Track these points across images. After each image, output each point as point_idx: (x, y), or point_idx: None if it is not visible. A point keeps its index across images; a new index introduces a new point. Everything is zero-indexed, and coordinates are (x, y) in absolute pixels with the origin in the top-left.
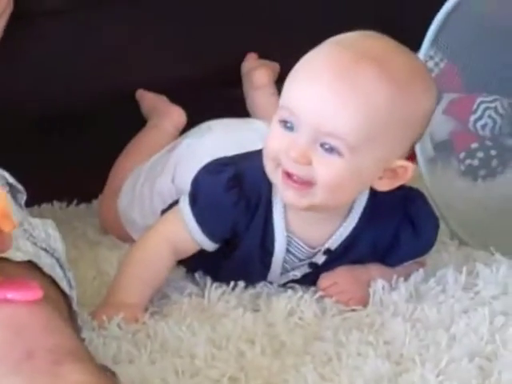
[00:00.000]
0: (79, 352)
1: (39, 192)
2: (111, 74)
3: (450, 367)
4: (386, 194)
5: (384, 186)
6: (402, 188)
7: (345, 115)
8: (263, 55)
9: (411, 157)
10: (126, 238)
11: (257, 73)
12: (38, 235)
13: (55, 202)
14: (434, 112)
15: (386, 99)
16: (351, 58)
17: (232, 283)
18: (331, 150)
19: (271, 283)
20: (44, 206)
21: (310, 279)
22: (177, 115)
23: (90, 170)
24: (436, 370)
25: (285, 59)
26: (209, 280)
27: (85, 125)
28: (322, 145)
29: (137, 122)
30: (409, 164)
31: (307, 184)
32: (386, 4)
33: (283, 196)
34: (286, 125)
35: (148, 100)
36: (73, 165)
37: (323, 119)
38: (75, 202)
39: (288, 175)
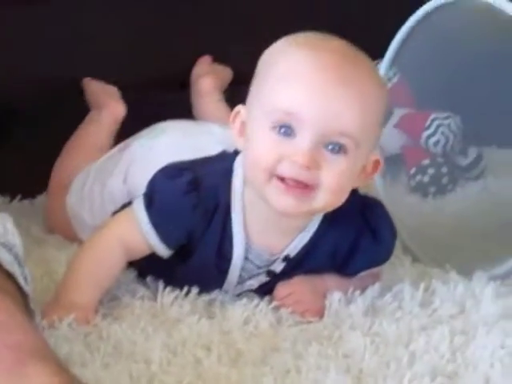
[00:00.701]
0: (43, 350)
1: None
2: (52, 65)
3: None
4: (346, 200)
5: (359, 182)
6: (360, 195)
7: (351, 111)
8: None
9: None
10: (73, 238)
11: (202, 80)
12: None
13: None
14: None
15: (374, 92)
16: (336, 58)
17: (185, 289)
18: (338, 149)
19: (226, 292)
20: None
21: (265, 290)
22: (116, 108)
23: (34, 164)
24: None
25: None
26: (161, 284)
27: (30, 118)
28: (327, 146)
29: (83, 115)
30: (380, 157)
31: (310, 188)
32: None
33: (280, 204)
34: (281, 130)
35: (92, 89)
36: (16, 159)
37: (332, 118)
38: (19, 197)
39: (284, 181)
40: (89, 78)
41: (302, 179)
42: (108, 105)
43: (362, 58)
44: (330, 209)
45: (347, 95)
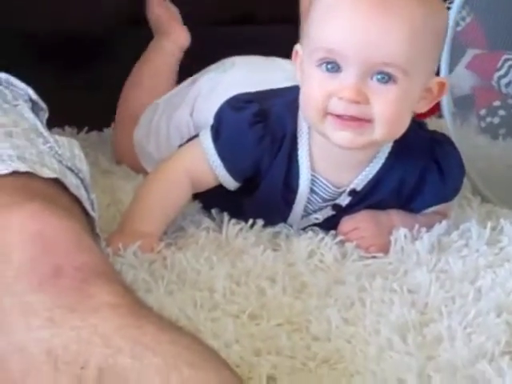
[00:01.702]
0: (109, 272)
1: (50, 116)
2: None
3: (478, 320)
4: (414, 134)
5: (423, 107)
6: (429, 130)
7: (390, 40)
8: None
9: (434, 108)
10: (140, 169)
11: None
12: (64, 154)
13: (66, 128)
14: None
15: (420, 17)
16: None
17: (250, 221)
18: (388, 79)
19: (291, 226)
20: (55, 130)
21: (330, 224)
22: (181, 35)
23: (101, 97)
24: (463, 322)
25: None
26: (226, 216)
27: (97, 51)
28: (374, 76)
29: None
30: (444, 79)
31: (366, 121)
32: None
33: (335, 139)
34: (328, 66)
35: (157, 13)
36: (84, 91)
37: (372, 49)
38: (86, 129)
39: (341, 116)
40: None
41: (353, 114)
42: (172, 32)
43: None
44: (391, 138)
45: (388, 23)
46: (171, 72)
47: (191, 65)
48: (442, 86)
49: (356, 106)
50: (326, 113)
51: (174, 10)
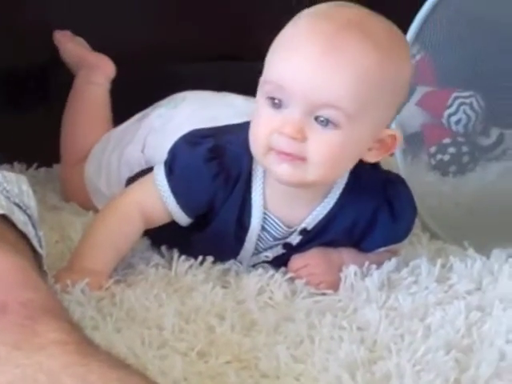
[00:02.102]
0: (56, 309)
1: None
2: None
3: (427, 358)
4: (367, 174)
5: (373, 157)
6: (382, 170)
7: (337, 82)
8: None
9: None
10: (89, 206)
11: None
12: (12, 190)
13: (15, 164)
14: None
15: (373, 63)
16: (333, 27)
17: (200, 258)
18: (327, 122)
19: (240, 263)
20: (4, 166)
21: (280, 262)
22: (106, 66)
23: (50, 133)
24: (412, 359)
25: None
26: (175, 252)
27: (48, 86)
28: (317, 118)
29: None
30: (397, 132)
31: (301, 159)
32: None
33: (275, 172)
34: (274, 101)
35: (69, 49)
36: (34, 127)
37: (316, 90)
38: (35, 165)
39: (283, 152)
40: (65, 32)
41: (289, 151)
42: (100, 64)
43: (370, 27)
44: (326, 181)
45: (336, 67)
46: (104, 103)
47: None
48: (394, 138)
49: (294, 143)
50: (270, 148)
51: (84, 42)
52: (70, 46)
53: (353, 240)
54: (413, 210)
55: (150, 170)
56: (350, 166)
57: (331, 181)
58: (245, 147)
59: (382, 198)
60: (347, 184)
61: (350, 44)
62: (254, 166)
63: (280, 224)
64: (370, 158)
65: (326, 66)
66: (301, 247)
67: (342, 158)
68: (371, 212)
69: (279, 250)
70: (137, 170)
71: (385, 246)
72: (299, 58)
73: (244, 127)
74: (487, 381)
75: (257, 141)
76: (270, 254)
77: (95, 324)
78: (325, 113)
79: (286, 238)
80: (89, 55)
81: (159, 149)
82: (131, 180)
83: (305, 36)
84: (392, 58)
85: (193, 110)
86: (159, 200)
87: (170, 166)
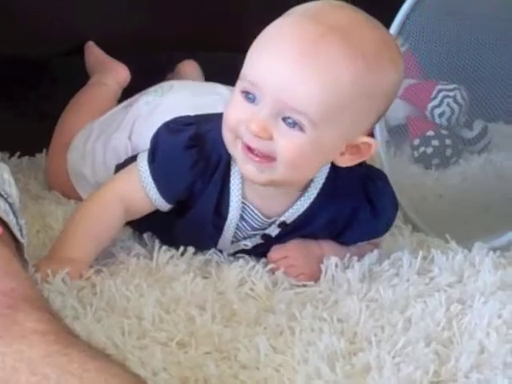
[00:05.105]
0: (36, 299)
1: None
2: (67, 21)
3: (407, 350)
4: (347, 171)
5: (345, 161)
6: (363, 166)
7: (306, 90)
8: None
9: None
10: (72, 195)
11: (184, 64)
12: None
13: None
14: (400, 84)
15: (350, 75)
16: (316, 31)
17: (181, 248)
18: (294, 124)
19: (221, 252)
20: None
21: (261, 250)
22: (121, 72)
23: (34, 123)
24: (392, 351)
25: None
26: (157, 243)
27: (33, 76)
28: (284, 119)
29: (86, 77)
30: (372, 141)
31: (268, 158)
32: None
33: (242, 169)
34: (248, 96)
35: (94, 55)
36: (17, 117)
37: (285, 93)
38: (18, 154)
39: (248, 148)
40: (92, 43)
41: (254, 147)
42: (113, 68)
43: (355, 34)
44: (296, 181)
45: (308, 73)
46: (110, 106)
47: None
48: (369, 146)
49: (259, 140)
50: (237, 136)
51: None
52: (95, 50)
53: (332, 234)
54: (393, 207)
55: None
56: (319, 167)
57: (301, 181)
58: None
59: (362, 193)
60: (327, 179)
61: (327, 52)
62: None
63: (259, 214)
64: (342, 163)
65: (297, 72)
66: (280, 239)
67: (308, 159)
68: (351, 208)
69: (258, 240)
70: (123, 156)
71: (364, 240)
72: (274, 60)
73: None
74: (467, 373)
75: (226, 126)
76: (249, 243)
77: (76, 314)
78: (291, 115)
79: (265, 228)
80: (107, 60)
81: (146, 136)
82: (120, 167)
83: (285, 37)
84: (373, 68)
85: (180, 98)
86: (141, 188)
87: (152, 153)
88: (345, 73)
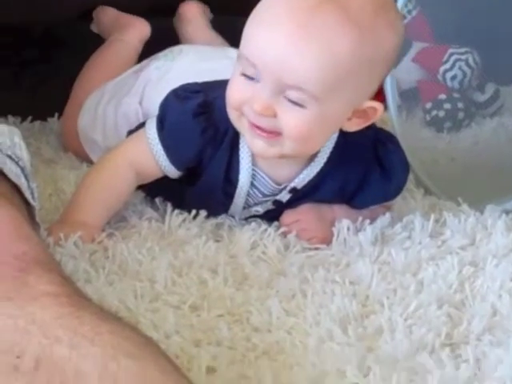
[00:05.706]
0: (48, 262)
1: None
2: None
3: (419, 312)
4: (357, 135)
5: (353, 126)
6: (373, 130)
7: (305, 66)
8: None
9: (380, 98)
10: (86, 157)
11: (185, 5)
12: (4, 142)
13: (9, 117)
14: (401, 44)
15: (349, 45)
16: (312, 3)
17: (193, 212)
18: (295, 101)
19: (233, 217)
20: None
21: (272, 216)
22: (141, 26)
23: (46, 88)
24: (404, 314)
25: None
26: (169, 206)
27: (45, 41)
28: (285, 96)
29: (99, 40)
30: (378, 104)
31: (275, 133)
32: None
33: (251, 145)
34: (248, 75)
35: (109, 15)
36: (30, 81)
37: (284, 71)
38: (29, 118)
39: (255, 125)
40: (101, 6)
41: (260, 125)
42: (133, 24)
43: (354, 6)
44: (303, 154)
45: (306, 49)
46: (130, 64)
47: None
48: (374, 110)
49: (263, 118)
50: (242, 114)
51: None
52: (109, 10)
53: (344, 199)
54: (404, 170)
55: None
56: (328, 137)
57: (311, 152)
58: None
59: (372, 158)
60: (336, 144)
61: (324, 24)
62: None
63: (269, 181)
64: (350, 128)
65: (295, 49)
66: (291, 204)
67: (315, 133)
68: (362, 173)
69: (269, 206)
70: (134, 121)
71: (376, 204)
72: (272, 37)
73: None
74: (479, 336)
75: (230, 105)
76: (261, 209)
77: (88, 277)
78: (292, 93)
79: (276, 195)
80: (125, 16)
81: (156, 101)
82: (131, 133)
83: (281, 11)
84: (371, 34)
85: (191, 63)
86: (150, 155)
87: (161, 120)
88: (343, 44)
